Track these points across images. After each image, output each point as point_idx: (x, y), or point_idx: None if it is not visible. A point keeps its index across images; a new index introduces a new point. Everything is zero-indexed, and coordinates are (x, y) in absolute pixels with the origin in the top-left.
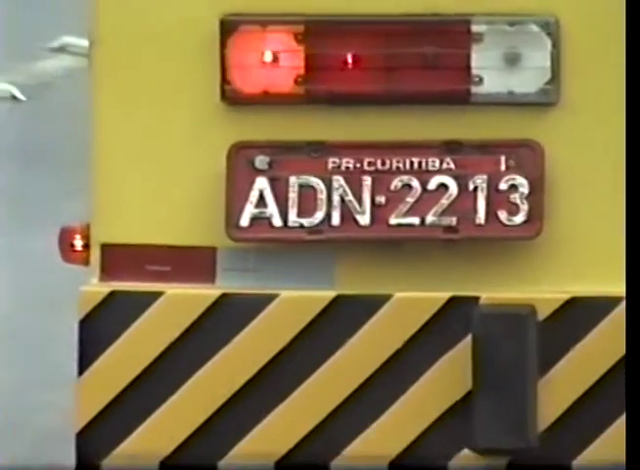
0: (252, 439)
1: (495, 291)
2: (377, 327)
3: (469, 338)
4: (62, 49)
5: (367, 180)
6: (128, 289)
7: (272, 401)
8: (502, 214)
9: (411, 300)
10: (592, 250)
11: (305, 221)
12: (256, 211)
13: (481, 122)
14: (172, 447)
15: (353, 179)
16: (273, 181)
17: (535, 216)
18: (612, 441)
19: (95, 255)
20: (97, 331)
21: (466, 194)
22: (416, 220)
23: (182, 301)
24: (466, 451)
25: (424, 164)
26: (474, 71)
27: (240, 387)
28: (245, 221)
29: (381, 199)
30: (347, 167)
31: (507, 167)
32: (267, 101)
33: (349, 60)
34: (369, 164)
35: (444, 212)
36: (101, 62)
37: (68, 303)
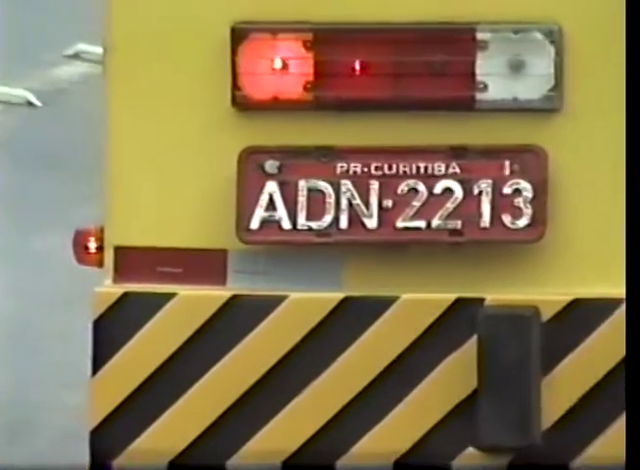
0: (261, 438)
1: (500, 293)
2: (384, 328)
3: (474, 338)
4: (76, 56)
5: (374, 184)
6: (141, 290)
7: (281, 401)
8: (506, 218)
9: (417, 301)
10: (594, 252)
11: (314, 224)
12: (266, 214)
13: (486, 128)
14: (183, 446)
15: (361, 183)
16: (283, 185)
17: (539, 220)
18: (614, 439)
19: (109, 257)
20: (110, 331)
21: (471, 198)
22: (422, 224)
23: (194, 302)
24: (471, 449)
25: (430, 169)
26: (479, 78)
27: (250, 386)
28: (255, 224)
29: (388, 203)
30: (355, 172)
31: (511, 172)
32: (277, 107)
33: (357, 67)
34: (376, 168)
35: (450, 216)
36: (114, 68)
37: (82, 304)
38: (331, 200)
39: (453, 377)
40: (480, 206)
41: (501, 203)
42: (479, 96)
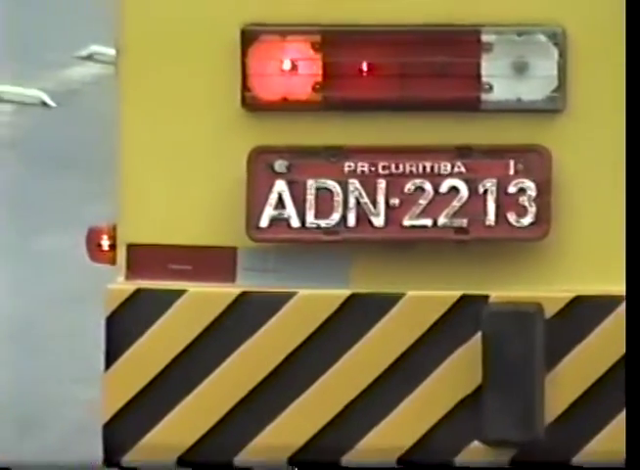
0: (269, 433)
1: (504, 290)
2: (390, 324)
3: (478, 335)
4: (90, 57)
5: (382, 183)
6: (153, 287)
7: (289, 396)
8: (511, 216)
9: (423, 298)
10: (597, 250)
11: (322, 223)
12: (275, 212)
13: (491, 128)
14: (193, 441)
15: (368, 182)
16: (291, 184)
17: (543, 218)
18: (615, 433)
19: (121, 254)
20: (123, 327)
21: (476, 197)
22: (428, 222)
23: (204, 298)
24: (476, 443)
25: (436, 168)
26: (484, 80)
27: (258, 382)
28: (264, 222)
29: (395, 201)
30: (363, 171)
31: (516, 171)
32: (286, 107)
33: (365, 68)
34: (383, 167)
35: (456, 214)
36: (127, 69)
37: (95, 300)
38: (339, 198)
39: (458, 373)
40: (486, 204)
41: (506, 201)
42: (484, 97)
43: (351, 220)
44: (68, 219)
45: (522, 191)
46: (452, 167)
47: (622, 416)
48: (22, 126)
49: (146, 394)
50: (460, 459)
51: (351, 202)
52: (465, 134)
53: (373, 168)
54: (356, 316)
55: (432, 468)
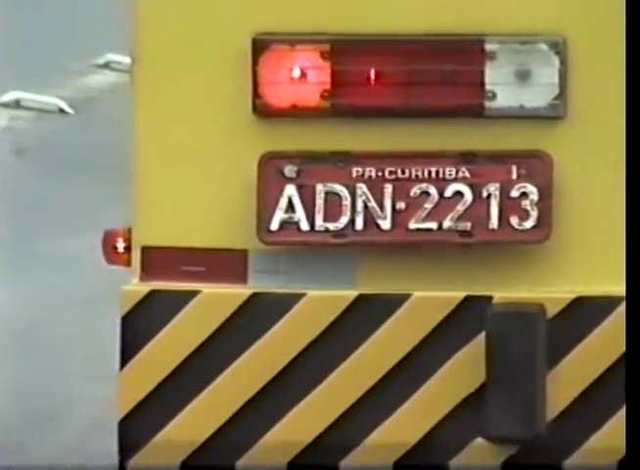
0: (278, 431)
1: (507, 291)
2: (396, 324)
3: (482, 334)
4: (106, 66)
5: (388, 188)
6: (167, 288)
7: (299, 393)
8: (514, 220)
9: (428, 299)
10: (597, 252)
11: (331, 226)
12: (285, 216)
13: (495, 134)
14: (206, 436)
15: (375, 187)
16: (301, 188)
17: (544, 222)
18: (615, 430)
19: (136, 256)
20: (138, 327)
21: (480, 201)
22: (434, 225)
23: (216, 299)
24: (479, 440)
25: (441, 173)
26: (487, 87)
27: (269, 380)
28: (275, 226)
29: (401, 205)
30: (370, 176)
31: (518, 176)
32: (295, 114)
33: (372, 76)
34: (390, 172)
35: (460, 218)
36: (142, 77)
37: (111, 301)
38: (347, 202)
39: (462, 371)
40: (489, 208)
41: (509, 205)
42: (487, 104)
43: (359, 224)
44: (85, 223)
45: (524, 195)
46: (457, 172)
47: (621, 413)
48: (41, 133)
49: (160, 391)
50: (464, 456)
51: (359, 206)
52: (469, 140)
53: (380, 173)
54: (364, 316)
55: (436, 465)
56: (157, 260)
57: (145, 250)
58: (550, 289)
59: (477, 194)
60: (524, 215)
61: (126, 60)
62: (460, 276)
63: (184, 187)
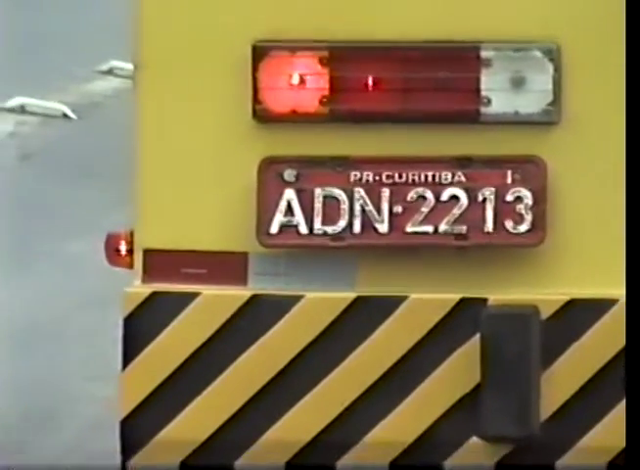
0: (279, 427)
1: (502, 293)
2: (394, 325)
3: (477, 336)
4: (109, 72)
5: (386, 192)
6: (168, 290)
7: (298, 393)
8: (508, 224)
9: (425, 301)
10: (591, 256)
11: (329, 229)
12: (285, 219)
13: (490, 140)
14: (207, 435)
15: (373, 191)
16: (300, 192)
17: (539, 226)
18: (608, 429)
19: (138, 259)
20: (139, 328)
21: (475, 205)
22: (430, 229)
23: (217, 301)
24: (474, 439)
25: (437, 178)
26: (483, 93)
27: (269, 380)
28: (274, 229)
29: (398, 209)
30: (368, 180)
31: (513, 181)
32: (295, 119)
33: (370, 82)
34: (387, 177)
35: (456, 222)
36: (144, 83)
37: (113, 302)
38: (345, 206)
39: (458, 372)
40: (484, 212)
41: (503, 209)
42: (483, 110)
43: (357, 227)
44: (89, 226)
45: (519, 199)
46: (453, 177)
47: (614, 413)
48: (45, 138)
49: (161, 391)
50: (459, 455)
51: (357, 209)
52: (465, 145)
53: (377, 178)
54: (361, 318)
55: (432, 464)
56: (158, 263)
57: (147, 252)
58: (544, 291)
59: (472, 198)
60: (518, 219)
61: (129, 66)
62: (456, 279)
63: (185, 191)
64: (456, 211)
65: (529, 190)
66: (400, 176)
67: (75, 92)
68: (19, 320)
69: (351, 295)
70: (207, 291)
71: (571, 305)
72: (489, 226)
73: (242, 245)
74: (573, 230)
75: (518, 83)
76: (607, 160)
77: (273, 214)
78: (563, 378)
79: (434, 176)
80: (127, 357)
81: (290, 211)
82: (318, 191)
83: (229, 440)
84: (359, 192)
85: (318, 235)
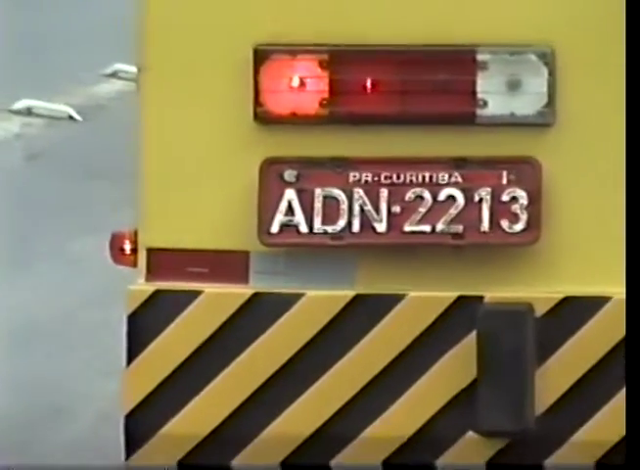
0: (282, 421)
1: (498, 291)
2: (392, 323)
3: (474, 332)
4: (114, 75)
5: (384, 192)
6: (171, 288)
7: (298, 389)
8: (504, 223)
9: (423, 298)
10: (585, 254)
11: (329, 228)
12: (285, 219)
13: (486, 141)
14: (210, 428)
15: (372, 191)
16: (300, 193)
17: (534, 225)
18: (601, 423)
19: (142, 257)
20: (143, 326)
21: (472, 205)
22: (427, 228)
23: (219, 299)
24: (471, 433)
25: (434, 178)
26: (479, 96)
27: (271, 375)
28: (275, 228)
29: (396, 209)
30: (367, 181)
31: (508, 181)
32: (295, 121)
33: (368, 85)
34: (386, 177)
35: (453, 221)
36: (148, 86)
37: (118, 300)
38: (344, 206)
39: (455, 367)
40: (480, 212)
41: (499, 209)
42: (479, 112)
43: (356, 226)
44: (94, 225)
45: (514, 199)
46: (449, 177)
47: (607, 407)
48: (51, 139)
49: (165, 387)
50: (456, 449)
51: (356, 209)
52: (461, 147)
53: (376, 178)
54: (361, 315)
55: (429, 457)
56: (162, 262)
57: (150, 251)
58: (539, 289)
59: (469, 198)
60: (514, 219)
61: (133, 69)
62: (453, 277)
63: (188, 191)
64: (453, 211)
65: (525, 190)
66: (398, 177)
67: (81, 94)
68: (29, 317)
69: (350, 293)
70: (210, 289)
71: (565, 302)
72: (485, 226)
73: (243, 244)
74: (568, 229)
75: (513, 86)
76: (600, 160)
77: (274, 214)
78: (557, 374)
79: (431, 177)
80: (131, 354)
81: (290, 210)
82: (318, 191)
83: (231, 435)
84: (358, 192)
85: (318, 234)
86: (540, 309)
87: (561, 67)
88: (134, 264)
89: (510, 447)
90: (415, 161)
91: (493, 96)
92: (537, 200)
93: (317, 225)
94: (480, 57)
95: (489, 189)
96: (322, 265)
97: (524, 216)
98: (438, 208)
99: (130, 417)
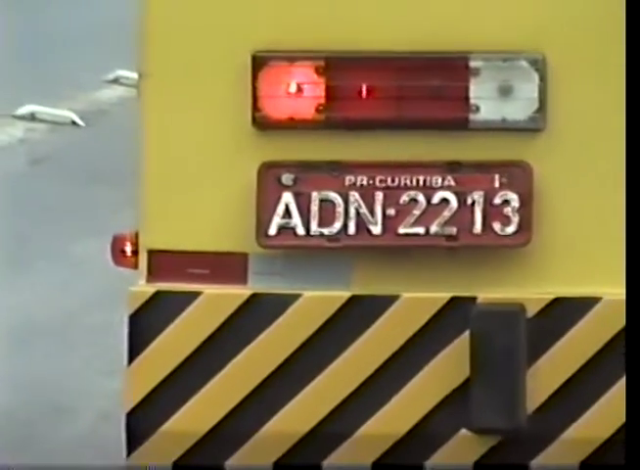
0: (279, 419)
1: (490, 292)
2: (387, 323)
3: (467, 333)
4: (116, 81)
5: (379, 195)
6: (171, 289)
7: (295, 387)
8: (496, 225)
9: (417, 299)
10: (575, 256)
11: (325, 231)
12: (283, 221)
13: (479, 145)
14: (209, 426)
15: (367, 194)
16: (297, 196)
17: (525, 227)
18: (591, 422)
19: (143, 259)
20: (144, 326)
21: (465, 207)
22: (421, 230)
23: (218, 299)
24: (464, 431)
25: (428, 182)
26: (472, 101)
27: (269, 374)
28: (272, 231)
29: (391, 211)
30: (362, 184)
31: (500, 185)
32: (292, 126)
33: (364, 90)
34: (381, 181)
35: (446, 223)
36: (148, 92)
37: (119, 301)
38: (340, 209)
39: (448, 366)
40: (473, 214)
41: (492, 212)
42: (472, 117)
43: (352, 229)
44: (96, 228)
45: (506, 202)
46: (443, 181)
47: (597, 406)
48: (54, 144)
49: (165, 385)
50: (449, 447)
51: (352, 212)
52: (455, 151)
53: (371, 182)
54: (356, 316)
55: (423, 455)
56: (162, 263)
57: (151, 253)
58: (530, 290)
59: (462, 201)
60: (506, 221)
61: (134, 75)
62: (446, 278)
63: (188, 194)
64: (446, 214)
65: (516, 193)
66: (393, 180)
67: (83, 100)
68: (32, 318)
69: (346, 294)
70: (209, 290)
71: (556, 303)
72: (478, 228)
73: (242, 246)
74: (559, 231)
75: (505, 92)
76: (590, 164)
77: (272, 217)
78: (548, 373)
79: (425, 180)
80: (132, 353)
81: (287, 213)
82: (315, 194)
83: (229, 432)
84: (354, 195)
85: (315, 236)
86: (532, 310)
87: (551, 73)
88: (135, 266)
89: (502, 445)
90: (409, 165)
91: (486, 102)
92: (529, 203)
93: (314, 228)
94: (472, 63)
95: (482, 192)
96: (318, 267)
97: (515, 219)
98: (432, 210)
99: (131, 415)
